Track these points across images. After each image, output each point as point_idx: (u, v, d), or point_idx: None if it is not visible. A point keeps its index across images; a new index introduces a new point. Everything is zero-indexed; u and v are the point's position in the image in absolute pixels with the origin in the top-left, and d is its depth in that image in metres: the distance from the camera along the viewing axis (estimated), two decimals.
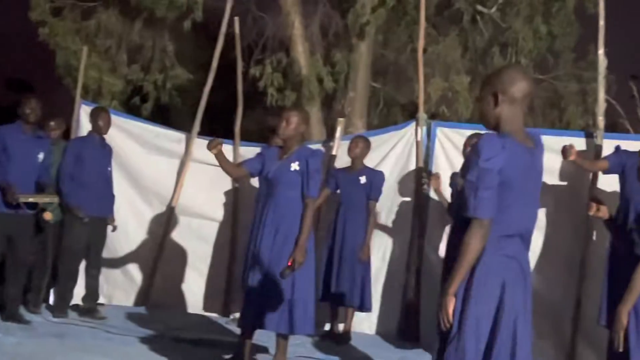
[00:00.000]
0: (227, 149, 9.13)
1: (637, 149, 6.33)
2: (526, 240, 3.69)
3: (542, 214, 7.22)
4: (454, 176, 7.37)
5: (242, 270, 6.28)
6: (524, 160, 3.60)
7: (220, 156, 6.28)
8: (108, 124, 8.10)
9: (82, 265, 8.10)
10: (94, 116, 8.13)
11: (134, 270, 9.06)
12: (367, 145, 7.96)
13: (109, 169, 8.17)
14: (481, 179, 3.49)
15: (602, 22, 7.66)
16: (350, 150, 7.93)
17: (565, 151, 6.80)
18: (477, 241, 3.51)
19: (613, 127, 10.04)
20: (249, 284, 5.99)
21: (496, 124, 3.63)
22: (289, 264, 5.85)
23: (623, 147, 6.78)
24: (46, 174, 7.52)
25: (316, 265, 6.49)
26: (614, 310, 4.16)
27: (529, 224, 3.72)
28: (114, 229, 8.16)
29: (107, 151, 8.16)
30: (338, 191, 7.97)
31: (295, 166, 6.03)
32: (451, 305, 3.52)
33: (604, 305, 6.25)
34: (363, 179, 7.77)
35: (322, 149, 8.49)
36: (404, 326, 8.16)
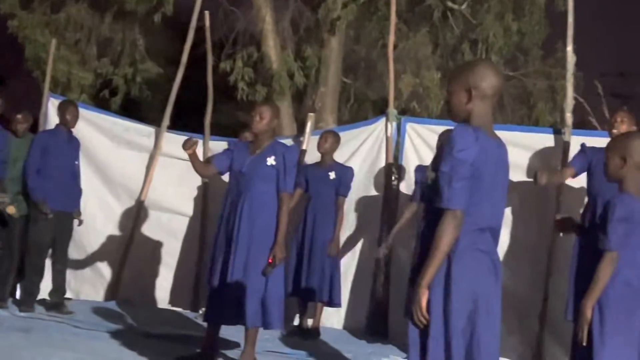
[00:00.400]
0: None
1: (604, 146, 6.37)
2: (495, 236, 3.71)
3: (508, 210, 7.27)
4: (418, 169, 7.38)
5: (209, 265, 6.25)
6: (494, 154, 3.61)
7: (193, 156, 6.26)
8: (76, 117, 8.04)
9: (50, 260, 8.05)
10: (61, 110, 8.07)
11: (102, 265, 9.02)
12: (337, 140, 7.96)
13: (77, 162, 8.11)
14: (455, 170, 3.49)
15: (570, 19, 7.72)
16: (319, 145, 7.93)
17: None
18: (450, 232, 3.50)
19: (581, 125, 10.09)
20: (222, 280, 5.96)
21: (466, 119, 3.64)
22: (270, 260, 5.86)
23: (590, 144, 6.82)
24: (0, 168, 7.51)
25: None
26: (580, 304, 4.19)
27: (499, 219, 3.73)
28: (80, 223, 8.10)
29: (74, 145, 8.10)
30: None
31: (271, 161, 6.01)
32: (424, 298, 3.52)
33: (570, 300, 6.30)
34: (332, 175, 7.77)
35: (293, 144, 8.48)
36: (372, 321, 8.18)
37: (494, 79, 3.65)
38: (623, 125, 6.46)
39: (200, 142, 9.01)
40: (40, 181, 7.72)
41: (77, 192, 8.11)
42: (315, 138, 8.36)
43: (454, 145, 3.51)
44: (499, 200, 3.70)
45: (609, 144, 4.34)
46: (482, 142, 3.54)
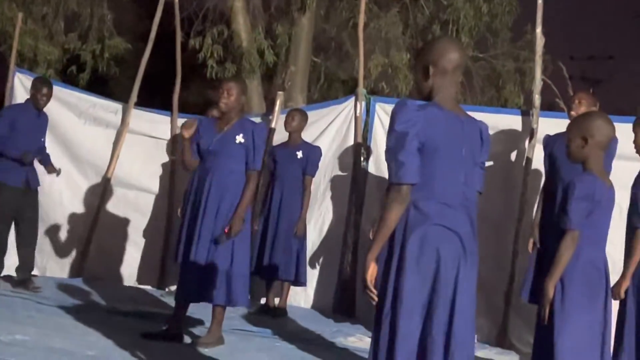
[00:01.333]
0: (164, 120, 9.08)
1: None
2: (467, 211, 3.65)
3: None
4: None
5: (176, 242, 6.23)
6: (449, 126, 3.59)
7: (188, 142, 6.20)
8: (48, 98, 7.88)
9: (16, 237, 7.96)
10: (35, 88, 7.88)
11: (69, 242, 8.96)
12: (304, 119, 7.93)
13: (42, 139, 8.01)
14: (399, 143, 3.49)
15: (540, 1, 7.73)
16: (286, 124, 7.89)
17: None
18: (395, 207, 3.48)
19: (550, 107, 10.13)
20: (188, 257, 5.95)
21: (428, 95, 3.64)
22: (226, 231, 5.88)
23: (558, 127, 6.85)
24: None
25: (251, 239, 6.49)
26: (541, 284, 4.22)
27: (467, 193, 3.66)
28: (59, 173, 7.94)
29: (42, 121, 7.99)
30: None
31: (240, 139, 6.01)
32: (370, 271, 3.52)
33: (528, 280, 6.38)
34: (300, 154, 7.75)
35: (262, 121, 8.45)
36: (339, 300, 8.19)
37: (453, 54, 3.66)
38: (581, 107, 6.46)
39: (168, 119, 8.98)
40: (5, 157, 7.63)
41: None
42: (284, 117, 8.34)
43: (395, 120, 3.51)
44: (466, 174, 3.65)
45: (569, 125, 4.36)
46: (430, 113, 3.53)
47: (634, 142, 5.28)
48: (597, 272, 4.18)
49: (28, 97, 8.01)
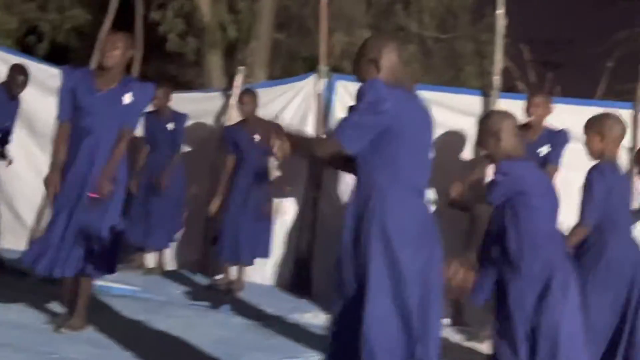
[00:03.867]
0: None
1: None
2: (424, 196, 3.73)
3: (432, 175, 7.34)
4: None
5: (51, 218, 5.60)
6: (415, 110, 3.63)
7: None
8: (23, 88, 7.67)
9: None
10: (12, 75, 7.58)
11: (25, 214, 8.86)
12: (254, 99, 7.82)
13: (8, 124, 7.82)
14: (360, 115, 3.52)
15: None
16: (240, 110, 7.84)
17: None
18: (323, 149, 3.65)
19: (509, 91, 10.22)
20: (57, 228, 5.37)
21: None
22: (92, 195, 5.34)
23: (517, 108, 6.91)
24: None
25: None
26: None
27: (424, 180, 3.75)
28: (9, 163, 7.84)
29: (12, 107, 7.79)
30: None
31: (127, 99, 5.39)
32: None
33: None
34: (257, 137, 7.71)
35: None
36: (296, 278, 8.21)
37: (396, 50, 3.74)
38: (539, 109, 6.60)
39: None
40: None
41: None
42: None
43: (363, 97, 3.54)
44: (425, 161, 3.71)
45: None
46: (398, 96, 3.57)
47: (585, 144, 5.21)
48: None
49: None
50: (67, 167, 5.44)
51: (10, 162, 7.80)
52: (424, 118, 3.69)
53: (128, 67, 8.89)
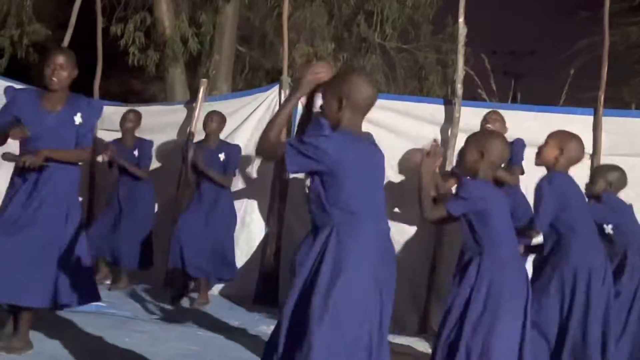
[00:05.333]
0: None
1: None
2: (381, 220, 3.73)
3: (399, 187, 7.37)
4: None
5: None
6: (363, 152, 3.65)
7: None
8: None
9: None
10: None
11: None
12: (223, 121, 7.84)
13: None
14: (307, 147, 3.54)
15: None
16: (205, 125, 7.80)
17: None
18: (268, 151, 3.69)
19: (472, 99, 10.28)
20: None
21: (336, 125, 3.67)
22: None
23: (480, 116, 6.98)
24: None
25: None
26: None
27: (381, 218, 3.74)
28: None
29: None
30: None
31: (78, 119, 5.17)
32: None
33: None
34: (222, 156, 7.68)
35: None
36: (262, 290, 8.16)
37: (368, 91, 3.72)
38: (496, 124, 6.76)
39: None
40: None
41: None
42: (207, 104, 8.29)
43: (320, 129, 3.59)
44: (379, 199, 3.72)
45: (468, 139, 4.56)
46: (347, 141, 3.59)
47: (543, 150, 5.15)
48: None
49: None
50: (16, 200, 5.16)
51: None
52: (373, 158, 3.72)
53: (91, 81, 8.89)
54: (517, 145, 6.59)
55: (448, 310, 4.29)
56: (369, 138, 3.75)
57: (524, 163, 6.64)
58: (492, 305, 4.17)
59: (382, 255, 3.64)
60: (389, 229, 3.73)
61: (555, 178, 4.88)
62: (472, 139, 4.50)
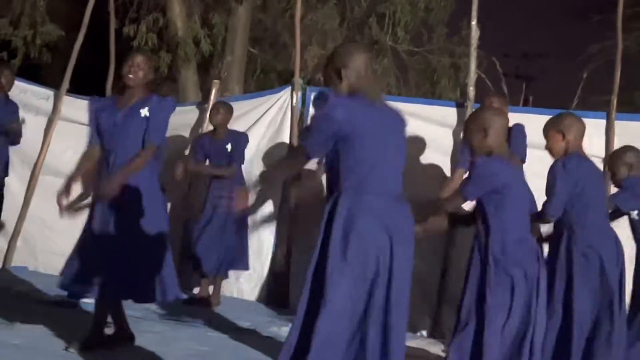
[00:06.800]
0: None
1: None
2: (397, 199, 3.73)
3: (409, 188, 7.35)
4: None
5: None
6: (375, 116, 3.68)
7: None
8: (11, 82, 7.70)
9: None
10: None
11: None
12: (229, 111, 7.81)
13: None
14: (318, 123, 3.71)
15: None
16: (211, 117, 7.80)
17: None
18: (294, 165, 3.97)
19: (483, 102, 10.28)
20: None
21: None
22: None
23: None
24: None
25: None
26: None
27: (394, 183, 3.78)
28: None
29: (10, 108, 7.76)
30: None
31: (145, 112, 5.38)
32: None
33: None
34: (229, 147, 7.68)
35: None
36: (273, 291, 8.17)
37: (360, 54, 3.84)
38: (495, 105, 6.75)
39: None
40: None
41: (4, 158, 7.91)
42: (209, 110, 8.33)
43: (326, 106, 3.71)
44: (394, 164, 3.73)
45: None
46: (356, 103, 3.68)
47: (546, 147, 5.24)
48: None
49: None
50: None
51: None
52: (388, 122, 3.74)
53: (103, 82, 8.92)
54: (516, 130, 6.57)
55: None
56: (385, 103, 3.85)
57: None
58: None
59: (392, 206, 3.71)
60: (401, 191, 3.80)
61: (569, 161, 4.87)
62: (470, 121, 4.55)
